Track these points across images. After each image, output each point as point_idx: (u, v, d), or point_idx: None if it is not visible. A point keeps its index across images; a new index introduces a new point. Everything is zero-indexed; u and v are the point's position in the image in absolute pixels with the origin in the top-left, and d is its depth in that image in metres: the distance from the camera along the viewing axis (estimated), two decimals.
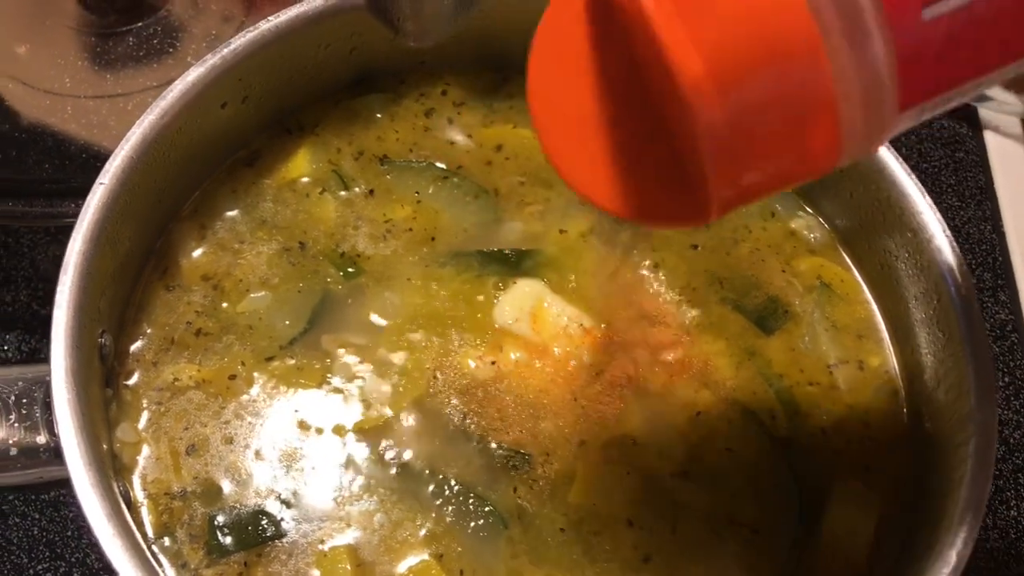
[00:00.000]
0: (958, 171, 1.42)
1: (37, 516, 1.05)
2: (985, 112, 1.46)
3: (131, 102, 1.18)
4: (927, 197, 0.90)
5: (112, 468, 0.81)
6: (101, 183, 0.83)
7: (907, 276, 0.93)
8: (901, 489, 0.90)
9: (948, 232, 0.89)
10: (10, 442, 0.76)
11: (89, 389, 0.78)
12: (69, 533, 1.04)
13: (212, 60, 0.90)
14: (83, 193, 0.83)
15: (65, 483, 0.72)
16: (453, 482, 0.86)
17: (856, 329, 0.98)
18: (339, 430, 0.87)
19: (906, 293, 0.94)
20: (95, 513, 0.70)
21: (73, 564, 1.03)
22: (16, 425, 0.76)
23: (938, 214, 0.90)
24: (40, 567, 1.02)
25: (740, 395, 0.93)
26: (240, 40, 0.92)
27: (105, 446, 0.81)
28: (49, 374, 0.74)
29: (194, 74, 0.89)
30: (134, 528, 0.77)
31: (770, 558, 0.85)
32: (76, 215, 0.82)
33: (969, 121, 1.47)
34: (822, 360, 0.96)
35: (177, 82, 0.88)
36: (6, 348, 1.13)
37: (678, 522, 0.86)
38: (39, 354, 1.14)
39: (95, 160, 1.14)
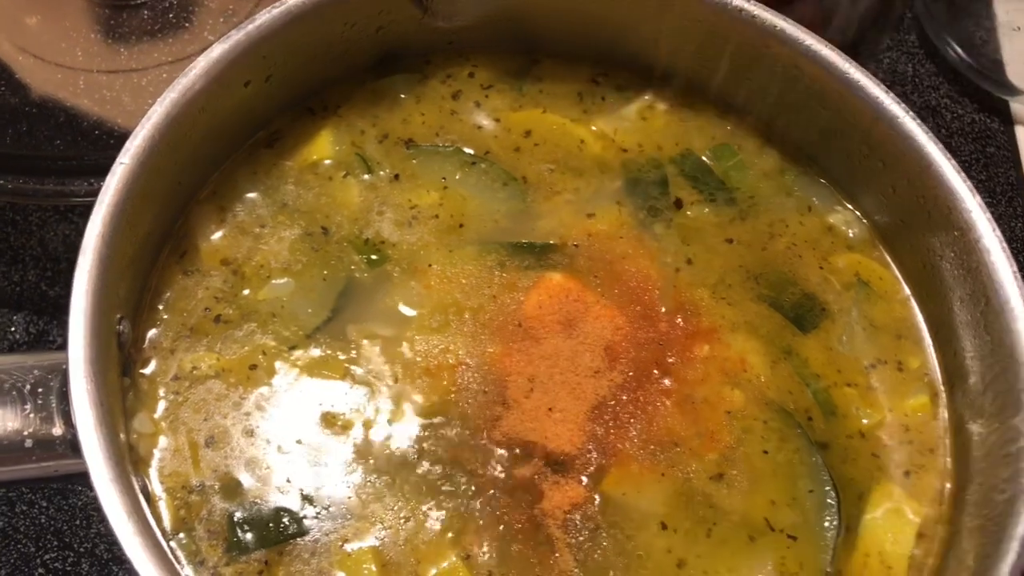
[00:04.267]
0: (989, 167, 1.40)
1: (45, 504, 1.02)
2: (1017, 106, 1.43)
3: (145, 77, 1.15)
4: (977, 195, 0.87)
5: (131, 461, 0.78)
6: (122, 163, 0.79)
7: (952, 276, 0.90)
8: (943, 497, 0.87)
9: (998, 232, 0.86)
10: (25, 433, 0.73)
11: (107, 378, 0.74)
12: (77, 522, 1.01)
13: (237, 36, 0.86)
14: (95, 171, 0.80)
15: (81, 477, 0.69)
16: (481, 481, 0.83)
17: (895, 329, 0.95)
18: (364, 424, 0.84)
19: (950, 294, 0.91)
20: (115, 509, 0.67)
21: (82, 554, 1.00)
22: (31, 416, 0.73)
23: (987, 213, 0.87)
24: (48, 556, 0.99)
25: (776, 395, 0.90)
26: (265, 16, 0.88)
27: (122, 437, 0.77)
28: (65, 362, 0.71)
29: (218, 50, 0.85)
30: (153, 524, 0.74)
31: (808, 566, 0.83)
32: (88, 194, 0.79)
33: (1000, 115, 1.44)
34: (860, 360, 0.93)
35: (200, 58, 0.85)
36: (14, 330, 1.10)
37: (713, 527, 0.84)
38: (47, 336, 1.10)
39: (108, 137, 1.11)
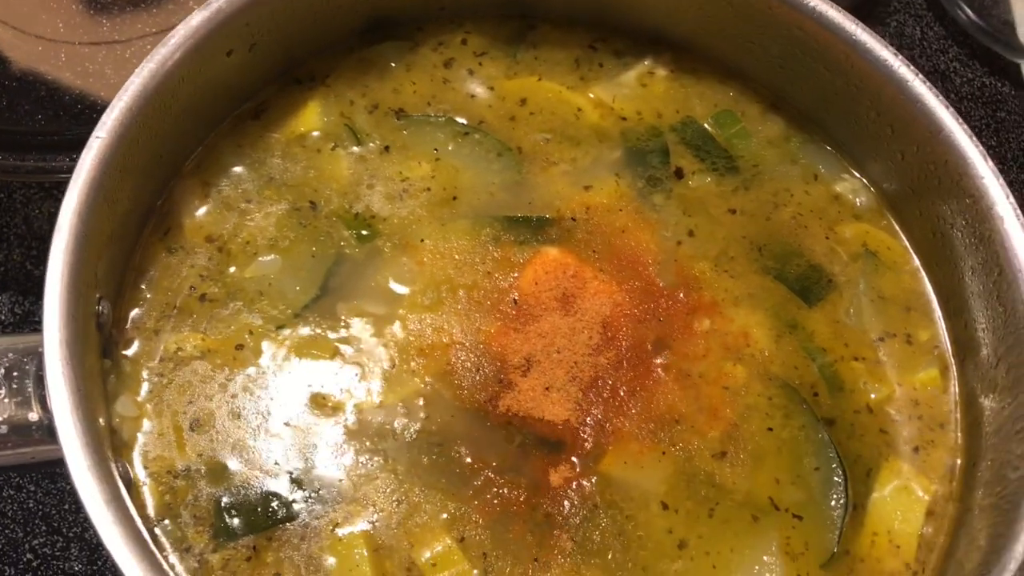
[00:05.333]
0: (999, 132, 1.36)
1: (32, 488, 0.99)
2: None
3: (129, 49, 1.11)
4: (989, 161, 0.84)
5: (110, 445, 0.75)
6: (98, 137, 0.76)
7: (963, 245, 0.87)
8: (953, 473, 0.84)
9: (1012, 199, 0.82)
10: (0, 419, 0.70)
11: (85, 361, 0.72)
12: (66, 506, 0.99)
13: (218, 3, 0.83)
14: (79, 146, 0.77)
15: (60, 463, 0.66)
16: (477, 462, 0.80)
17: (904, 300, 0.92)
18: (355, 405, 0.81)
19: (961, 263, 0.87)
20: (92, 498, 0.64)
21: (71, 539, 0.98)
22: (7, 400, 0.70)
23: (1000, 179, 0.83)
24: (36, 542, 0.97)
25: (780, 370, 0.87)
26: None
27: (102, 421, 0.75)
28: (42, 345, 0.68)
29: (198, 18, 0.82)
30: (134, 512, 0.71)
31: (814, 546, 0.80)
32: (71, 170, 0.76)
33: (1011, 79, 1.40)
34: (867, 333, 0.90)
35: (179, 27, 0.81)
36: None
37: (715, 506, 0.81)
38: (33, 316, 1.08)
39: (91, 111, 1.08)
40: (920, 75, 0.87)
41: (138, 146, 0.80)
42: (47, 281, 0.70)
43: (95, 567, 0.97)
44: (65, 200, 0.73)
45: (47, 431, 0.67)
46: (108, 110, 0.77)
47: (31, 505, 0.98)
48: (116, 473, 0.71)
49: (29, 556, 0.97)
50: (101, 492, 0.65)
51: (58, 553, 0.97)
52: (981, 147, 0.84)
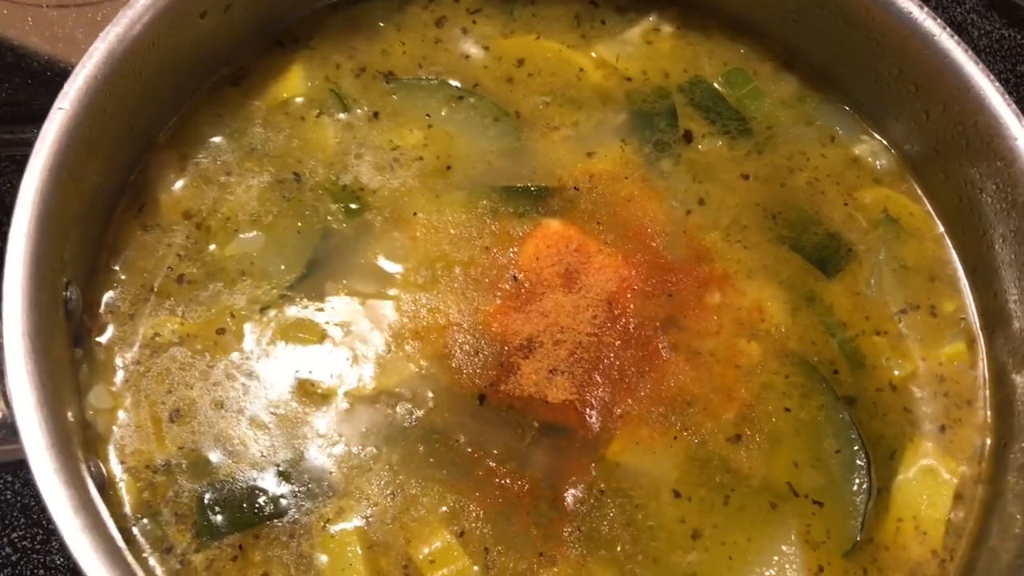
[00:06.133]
0: (1020, 87, 1.29)
1: (10, 479, 0.95)
2: None
3: (101, 11, 1.05)
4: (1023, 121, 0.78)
5: (82, 442, 0.70)
6: (60, 108, 0.71)
7: (993, 211, 0.81)
8: (983, 454, 0.79)
9: None
10: None
11: (52, 352, 0.66)
12: None
13: None
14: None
15: (25, 464, 0.61)
16: (477, 451, 0.75)
17: (928, 269, 0.87)
18: (345, 392, 0.76)
19: (990, 230, 0.82)
20: (59, 505, 0.59)
21: (51, 531, 0.93)
22: None
23: None
24: (15, 535, 0.93)
25: (797, 346, 0.82)
26: None
27: (72, 416, 0.70)
28: (2, 336, 0.63)
29: None
30: (107, 515, 0.66)
31: (836, 534, 0.76)
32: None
33: None
34: (889, 305, 0.85)
35: None
36: None
37: (731, 493, 0.76)
38: None
39: (62, 79, 0.99)
40: (947, 28, 0.81)
41: (106, 117, 0.74)
42: (6, 267, 0.65)
43: None
44: (25, 177, 0.68)
45: (10, 429, 0.61)
46: (71, 79, 0.71)
47: (8, 496, 0.94)
48: (87, 473, 0.66)
49: (8, 550, 0.92)
50: (69, 496, 0.60)
51: (38, 546, 0.93)
52: (1014, 106, 0.78)
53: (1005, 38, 1.33)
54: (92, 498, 0.63)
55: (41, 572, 0.92)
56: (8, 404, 0.62)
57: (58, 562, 0.92)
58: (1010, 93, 1.30)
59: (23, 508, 0.94)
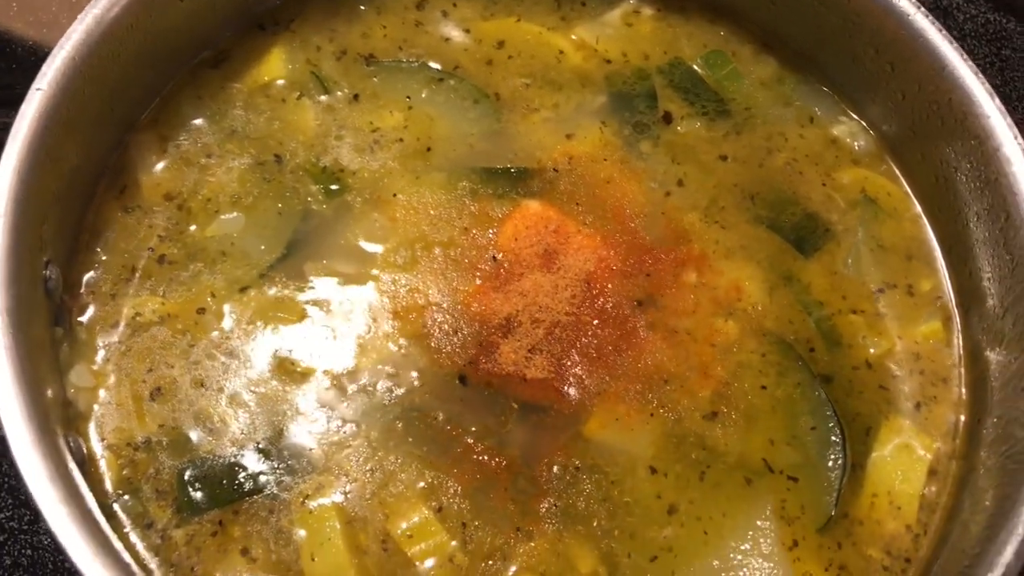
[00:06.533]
0: (1004, 70, 1.29)
1: None
2: None
3: None
4: (996, 100, 0.79)
5: (61, 419, 0.71)
6: (38, 89, 0.71)
7: (968, 190, 0.82)
8: (957, 431, 0.80)
9: (1021, 140, 0.77)
10: None
11: (31, 329, 0.67)
12: None
13: None
14: None
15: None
16: (455, 428, 0.76)
17: (905, 249, 0.87)
18: (324, 371, 0.77)
19: (965, 209, 0.82)
20: (35, 476, 0.60)
21: (39, 512, 0.93)
22: None
23: (1008, 119, 0.78)
24: (2, 516, 0.93)
25: (774, 325, 0.83)
26: None
27: (51, 393, 0.70)
28: None
29: None
30: (86, 490, 0.67)
31: (811, 509, 0.76)
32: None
33: (1016, 14, 1.33)
34: (867, 284, 0.85)
35: None
36: None
37: (707, 469, 0.77)
38: None
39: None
40: (922, 8, 0.82)
41: (84, 98, 0.75)
42: None
43: None
44: (3, 158, 0.68)
45: None
46: (48, 60, 0.72)
47: None
48: (66, 448, 0.67)
49: None
50: (46, 469, 0.61)
51: (26, 527, 0.93)
52: (987, 84, 0.79)
53: (990, 22, 1.33)
54: (70, 472, 0.64)
55: (28, 552, 0.92)
56: None
57: (45, 542, 0.93)
58: (995, 76, 1.31)
59: (10, 489, 0.94)
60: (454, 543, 0.73)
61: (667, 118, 0.90)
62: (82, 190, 0.79)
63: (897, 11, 0.82)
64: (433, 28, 0.92)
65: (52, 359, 0.73)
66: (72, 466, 0.65)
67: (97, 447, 0.73)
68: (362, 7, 0.92)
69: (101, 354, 0.76)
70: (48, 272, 0.72)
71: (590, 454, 0.76)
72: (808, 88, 0.93)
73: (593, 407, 0.78)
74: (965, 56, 0.79)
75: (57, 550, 0.91)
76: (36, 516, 0.94)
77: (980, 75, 0.79)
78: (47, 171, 0.71)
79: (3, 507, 0.94)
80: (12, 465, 0.95)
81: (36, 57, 1.02)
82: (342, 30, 0.91)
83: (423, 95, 0.89)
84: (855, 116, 0.92)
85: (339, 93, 0.88)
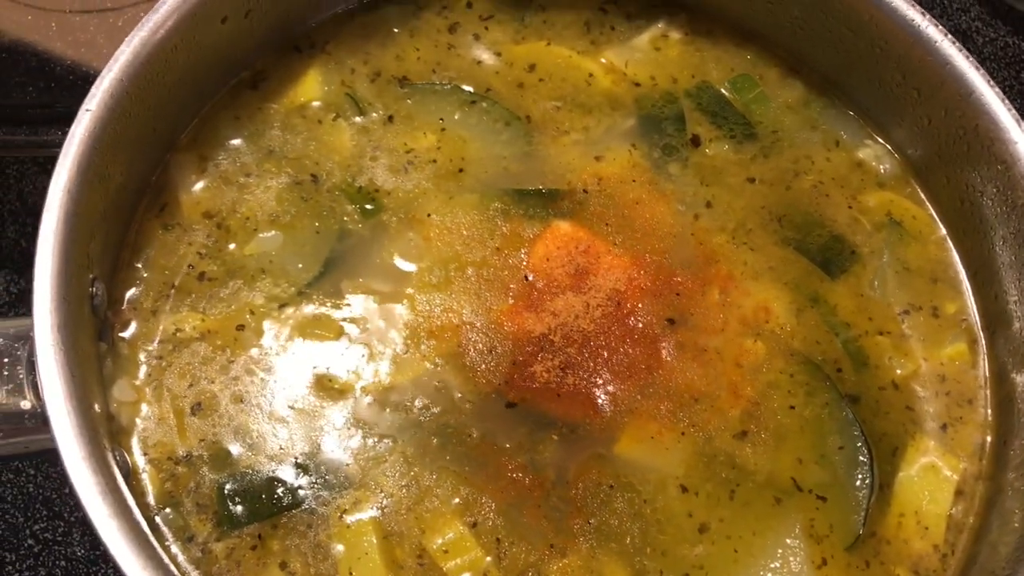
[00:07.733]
0: None
1: (32, 472, 0.97)
2: None
3: (122, 17, 1.07)
4: (1023, 125, 0.80)
5: (107, 433, 0.72)
6: (87, 110, 0.73)
7: (993, 214, 0.83)
8: (983, 451, 0.81)
9: None
10: None
11: (79, 345, 0.69)
12: (67, 490, 0.96)
13: None
14: (71, 119, 0.73)
15: (54, 453, 0.64)
16: (490, 445, 0.77)
17: (930, 272, 0.88)
18: (362, 387, 0.78)
19: (991, 233, 0.84)
20: (88, 490, 0.61)
21: (72, 523, 0.95)
22: None
23: None
24: (37, 527, 0.95)
25: (801, 345, 0.84)
26: None
27: (98, 408, 0.72)
28: (33, 329, 0.65)
29: None
30: (132, 503, 0.68)
31: (839, 528, 0.77)
32: (64, 144, 0.72)
33: None
34: (892, 306, 0.86)
35: None
36: None
37: (736, 488, 0.78)
38: (30, 295, 1.04)
39: (83, 82, 1.03)
40: (949, 35, 0.83)
41: (130, 119, 0.76)
42: (37, 263, 0.67)
43: (98, 552, 0.95)
44: (54, 177, 0.70)
45: (40, 419, 0.64)
46: (98, 81, 0.73)
47: (31, 489, 0.96)
48: (113, 462, 0.68)
49: (30, 542, 0.94)
50: (97, 483, 0.62)
51: (60, 538, 0.95)
52: (1014, 111, 0.80)
53: (1010, 46, 1.35)
54: (119, 486, 0.65)
55: (63, 563, 0.94)
56: (39, 395, 0.64)
57: (79, 554, 0.94)
58: (1014, 100, 1.32)
59: (45, 501, 0.96)
60: (488, 559, 0.74)
61: (695, 141, 0.92)
62: (125, 208, 0.81)
63: (925, 38, 0.83)
64: (465, 51, 0.94)
65: (97, 374, 0.74)
66: (120, 480, 0.67)
67: (140, 461, 0.74)
68: (395, 30, 0.94)
69: (143, 369, 0.77)
70: (94, 289, 0.74)
71: (622, 472, 0.78)
72: (834, 112, 0.94)
73: (625, 425, 0.79)
74: (992, 83, 0.81)
75: (91, 562, 0.93)
76: (70, 528, 0.95)
77: (1007, 101, 0.80)
78: (95, 189, 0.72)
79: (38, 519, 0.95)
80: (46, 479, 0.97)
81: (74, 76, 1.04)
82: (376, 52, 0.93)
83: (456, 117, 0.90)
84: (881, 140, 0.93)
85: (374, 114, 0.89)
